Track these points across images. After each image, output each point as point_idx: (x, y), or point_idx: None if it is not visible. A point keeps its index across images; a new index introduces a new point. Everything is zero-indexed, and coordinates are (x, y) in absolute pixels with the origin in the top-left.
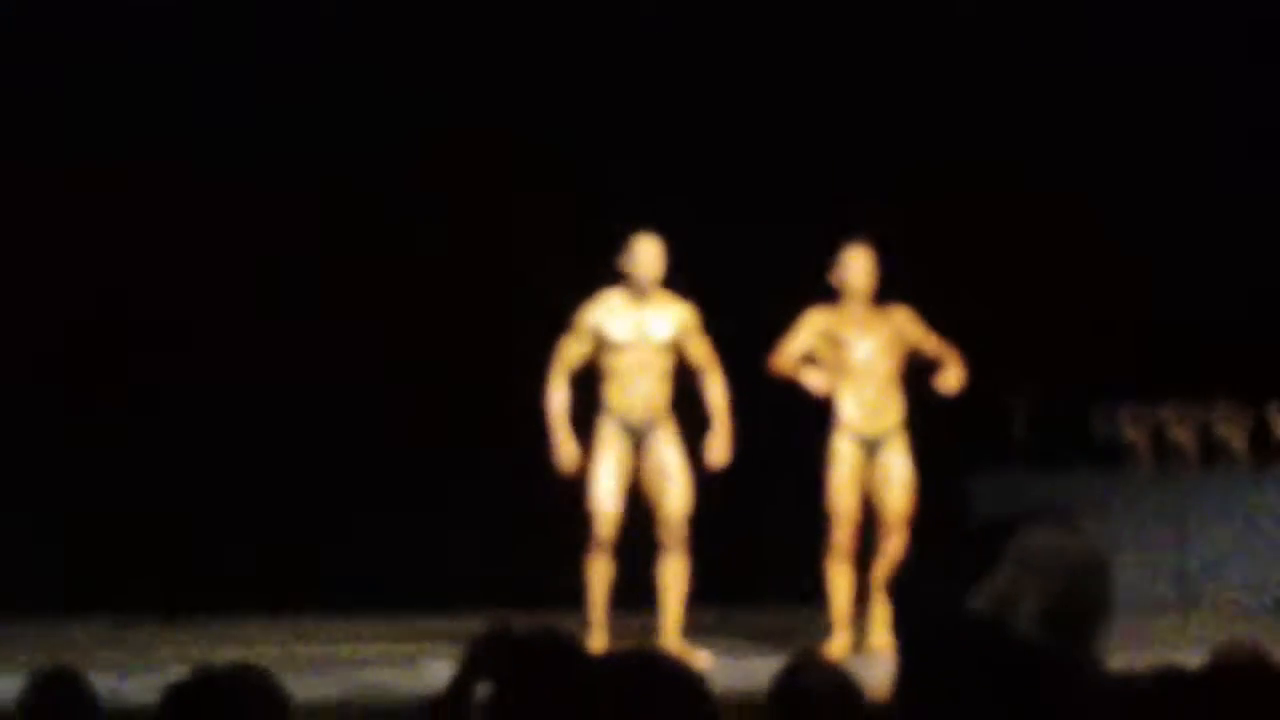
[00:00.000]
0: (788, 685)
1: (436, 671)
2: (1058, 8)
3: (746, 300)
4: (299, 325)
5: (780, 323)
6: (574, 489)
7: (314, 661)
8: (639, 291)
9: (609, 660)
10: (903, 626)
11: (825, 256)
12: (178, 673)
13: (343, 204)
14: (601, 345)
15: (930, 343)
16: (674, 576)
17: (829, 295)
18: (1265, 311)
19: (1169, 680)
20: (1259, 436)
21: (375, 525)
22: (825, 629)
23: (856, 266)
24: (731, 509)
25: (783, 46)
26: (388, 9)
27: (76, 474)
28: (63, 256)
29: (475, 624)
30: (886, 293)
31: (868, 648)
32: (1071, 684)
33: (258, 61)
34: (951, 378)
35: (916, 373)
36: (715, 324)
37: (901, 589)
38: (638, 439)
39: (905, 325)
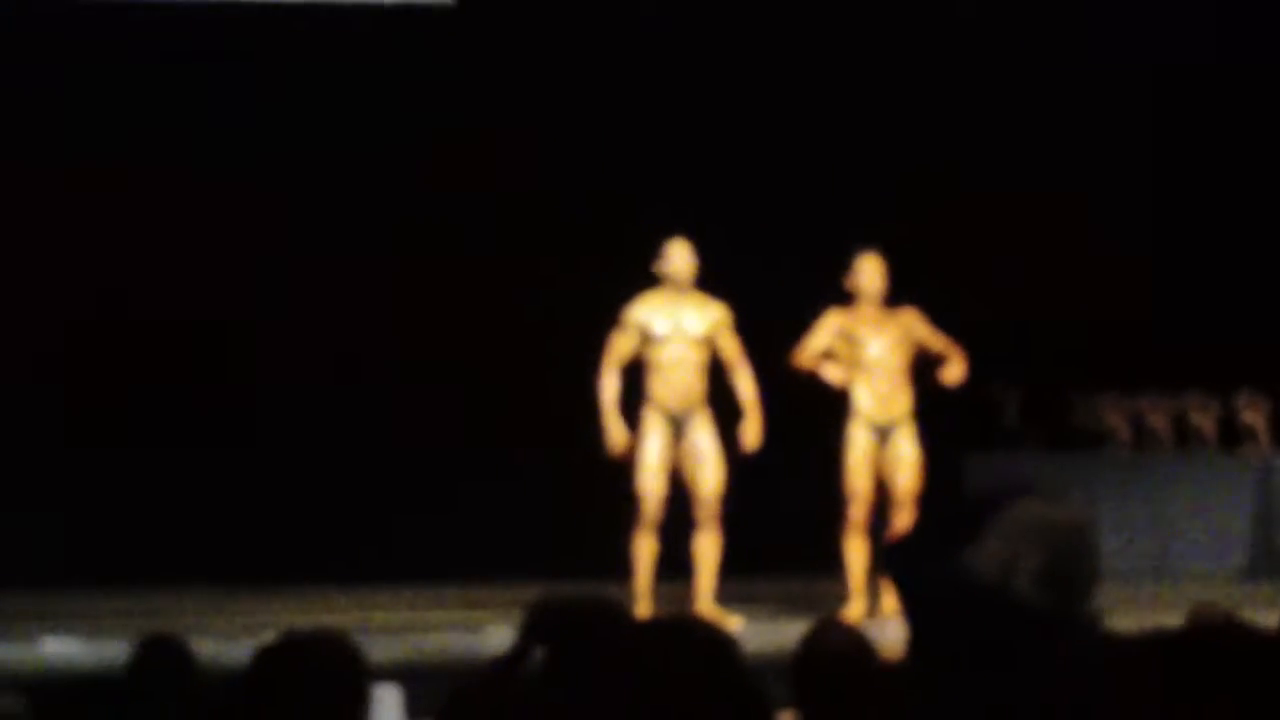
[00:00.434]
0: (812, 646)
1: (499, 636)
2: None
3: (773, 303)
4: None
5: (802, 323)
6: (623, 472)
7: (388, 627)
8: (677, 291)
9: (651, 625)
10: (904, 590)
11: (841, 265)
12: (266, 638)
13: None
14: (645, 339)
15: (935, 340)
16: (708, 549)
17: (845, 298)
18: (1233, 310)
19: (1156, 641)
20: (1227, 423)
21: (444, 504)
22: (842, 596)
23: (869, 272)
24: (759, 489)
25: (814, 73)
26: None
27: (194, 461)
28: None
29: (533, 594)
30: (896, 296)
31: (881, 612)
32: (1074, 640)
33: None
34: (954, 371)
35: (922, 366)
36: (746, 324)
37: (898, 553)
38: (677, 426)
39: (913, 324)
